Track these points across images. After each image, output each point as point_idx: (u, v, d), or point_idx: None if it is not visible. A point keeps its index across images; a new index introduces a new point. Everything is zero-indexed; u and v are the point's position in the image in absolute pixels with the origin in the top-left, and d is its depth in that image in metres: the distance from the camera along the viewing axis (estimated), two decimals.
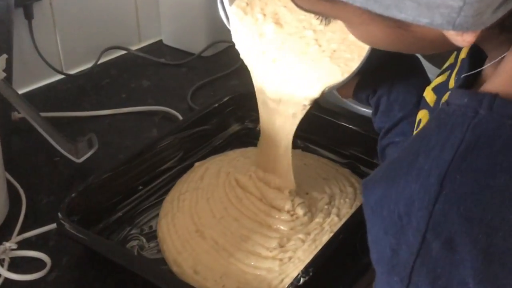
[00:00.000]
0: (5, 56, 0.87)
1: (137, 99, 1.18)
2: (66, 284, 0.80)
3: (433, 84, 0.66)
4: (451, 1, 0.41)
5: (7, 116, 1.03)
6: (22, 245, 0.84)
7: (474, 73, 0.53)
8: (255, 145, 1.03)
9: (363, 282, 0.78)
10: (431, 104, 0.65)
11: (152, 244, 0.85)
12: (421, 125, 0.66)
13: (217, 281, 0.78)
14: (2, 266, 0.80)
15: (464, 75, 0.53)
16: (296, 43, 0.77)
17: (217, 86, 1.24)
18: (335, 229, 0.80)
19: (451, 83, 0.61)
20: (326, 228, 0.84)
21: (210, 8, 1.28)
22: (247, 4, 0.80)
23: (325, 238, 0.82)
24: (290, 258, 0.80)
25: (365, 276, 0.78)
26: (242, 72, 1.26)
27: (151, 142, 0.97)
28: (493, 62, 0.50)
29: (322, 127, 1.01)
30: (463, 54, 0.59)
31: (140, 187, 0.93)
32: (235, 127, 1.08)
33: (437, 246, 0.44)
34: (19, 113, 1.05)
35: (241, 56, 0.81)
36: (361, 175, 0.97)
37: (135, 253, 0.83)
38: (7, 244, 0.82)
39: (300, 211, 0.86)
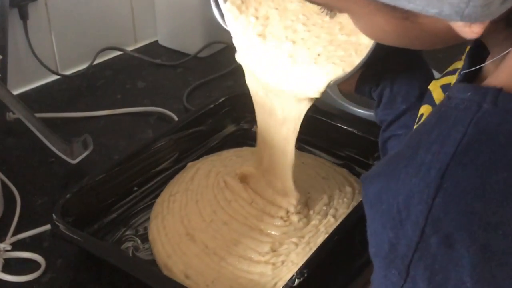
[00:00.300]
0: (0, 57, 0.87)
1: (133, 100, 1.18)
2: (60, 286, 0.80)
3: (442, 82, 0.65)
4: None
5: (2, 117, 1.03)
6: (16, 246, 0.84)
7: (474, 70, 0.53)
8: (250, 145, 1.04)
9: (358, 283, 0.78)
10: (437, 102, 0.65)
11: (147, 246, 0.85)
12: (423, 119, 0.65)
13: (209, 286, 0.77)
14: None
15: (464, 71, 0.53)
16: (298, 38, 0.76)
17: (212, 87, 1.23)
18: (331, 230, 0.80)
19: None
20: (321, 229, 0.84)
21: (206, 9, 1.28)
22: (242, 1, 0.79)
23: (320, 240, 0.81)
24: (283, 262, 0.80)
25: (360, 277, 0.78)
26: (237, 73, 1.26)
27: (146, 143, 0.96)
28: (495, 58, 0.49)
29: (318, 128, 1.01)
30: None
31: (135, 188, 0.93)
32: (230, 128, 1.08)
33: (436, 241, 0.44)
34: (13, 114, 1.05)
35: (237, 58, 0.80)
36: (357, 176, 0.97)
37: (130, 254, 0.83)
38: (1, 245, 0.82)
39: (294, 218, 0.85)
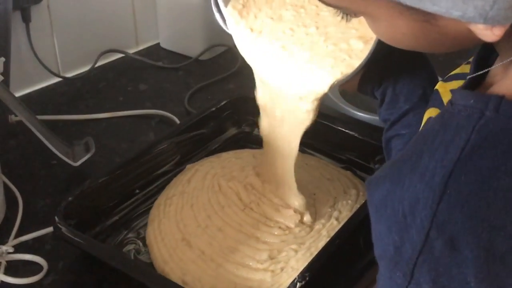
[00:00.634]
0: (2, 59, 0.87)
1: (134, 103, 1.19)
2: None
3: (452, 85, 0.66)
4: None
5: (4, 119, 1.03)
6: (18, 248, 0.84)
7: (481, 74, 0.53)
8: (251, 148, 1.04)
9: (360, 285, 0.78)
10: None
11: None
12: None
13: None
14: None
15: (469, 76, 0.54)
16: (299, 40, 0.76)
17: (214, 90, 1.24)
18: (333, 233, 0.80)
19: None
20: (323, 233, 0.84)
21: (207, 12, 1.28)
22: (243, 6, 0.79)
23: (321, 244, 0.81)
24: (282, 269, 0.79)
25: (362, 280, 0.78)
26: (239, 76, 1.27)
27: (148, 145, 0.97)
28: (504, 62, 0.50)
29: (318, 131, 1.00)
30: None
31: (137, 191, 0.93)
32: (232, 131, 1.08)
33: (440, 244, 0.45)
34: (15, 116, 1.05)
35: (243, 54, 0.80)
36: (360, 179, 0.97)
37: (132, 257, 0.83)
38: (4, 248, 0.82)
39: (295, 229, 0.85)
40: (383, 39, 0.53)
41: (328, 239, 0.80)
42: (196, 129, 1.02)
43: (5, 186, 0.92)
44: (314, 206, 0.89)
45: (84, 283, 0.81)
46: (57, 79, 1.23)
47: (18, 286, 0.79)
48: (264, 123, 0.85)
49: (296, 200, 0.86)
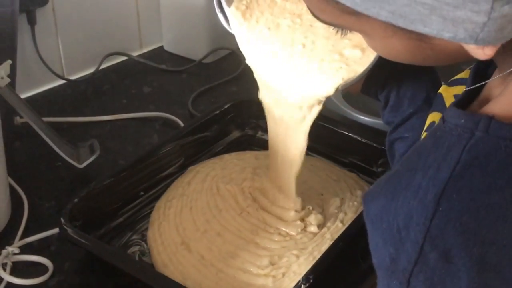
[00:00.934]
0: (9, 61, 0.88)
1: (138, 105, 1.19)
2: None
3: (456, 91, 0.67)
4: (476, 17, 0.42)
5: (10, 121, 1.04)
6: (24, 249, 0.85)
7: (480, 78, 0.55)
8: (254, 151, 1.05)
9: (365, 286, 0.79)
10: None
11: None
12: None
13: None
14: (5, 270, 0.81)
15: (466, 89, 0.55)
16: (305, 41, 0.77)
17: (217, 93, 1.24)
18: (336, 236, 0.81)
19: None
20: (327, 236, 0.84)
21: (211, 15, 1.28)
22: (247, 7, 0.79)
23: (325, 247, 0.81)
24: (284, 274, 0.79)
25: (367, 281, 0.78)
26: (242, 79, 1.28)
27: (152, 148, 0.97)
28: (502, 74, 0.51)
29: (321, 134, 1.01)
30: None
31: (141, 193, 0.94)
32: (235, 134, 1.09)
33: (434, 257, 0.47)
34: (21, 118, 1.06)
35: (246, 61, 0.81)
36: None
37: (136, 259, 0.84)
38: (10, 249, 0.83)
39: (297, 236, 0.85)
40: (379, 54, 0.54)
41: (332, 242, 0.80)
42: (199, 132, 1.03)
43: (11, 188, 0.93)
44: (322, 207, 0.90)
45: (89, 284, 0.82)
46: (61, 81, 1.24)
47: (24, 287, 0.80)
48: (270, 124, 0.85)
49: (293, 203, 0.86)
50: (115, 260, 0.79)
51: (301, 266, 0.80)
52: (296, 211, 0.86)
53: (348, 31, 0.53)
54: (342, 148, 1.01)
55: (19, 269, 0.82)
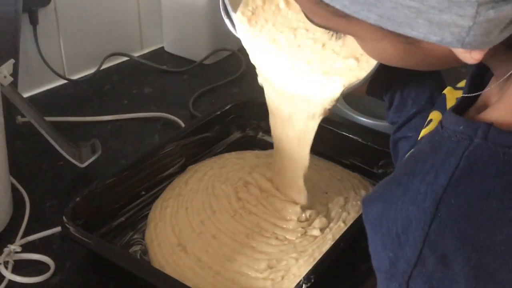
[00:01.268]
0: (12, 61, 0.88)
1: (139, 105, 1.20)
2: (69, 287, 0.81)
3: (459, 94, 0.68)
4: (461, 20, 0.43)
5: (12, 121, 1.04)
6: (25, 248, 0.85)
7: (477, 88, 0.55)
8: None
9: (366, 286, 0.79)
10: None
11: None
12: (431, 125, 0.68)
13: None
14: (6, 268, 0.81)
15: (464, 95, 0.55)
16: (310, 46, 0.78)
17: (218, 94, 1.25)
18: (338, 236, 0.81)
19: None
20: (328, 237, 0.84)
21: (212, 16, 1.30)
22: (253, 13, 0.80)
23: (326, 248, 0.81)
24: (283, 277, 0.79)
25: (368, 281, 0.79)
26: (243, 80, 1.28)
27: (154, 148, 0.98)
28: (500, 80, 0.51)
29: (322, 136, 1.01)
30: None
31: (143, 193, 0.94)
32: (236, 135, 1.09)
33: (433, 261, 0.47)
34: (22, 117, 1.06)
35: (252, 61, 0.81)
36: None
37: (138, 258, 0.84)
38: (12, 247, 0.83)
39: (296, 241, 0.85)
40: (373, 58, 0.55)
41: (333, 242, 0.80)
42: (201, 133, 1.03)
43: (12, 186, 0.93)
44: (326, 205, 0.90)
45: (90, 283, 0.82)
46: (63, 81, 1.24)
47: (26, 285, 0.80)
48: (276, 124, 0.85)
49: (303, 199, 0.87)
50: (117, 259, 0.79)
51: (301, 268, 0.80)
52: (301, 208, 0.87)
53: (343, 35, 0.53)
54: (343, 149, 1.02)
55: (20, 267, 0.83)
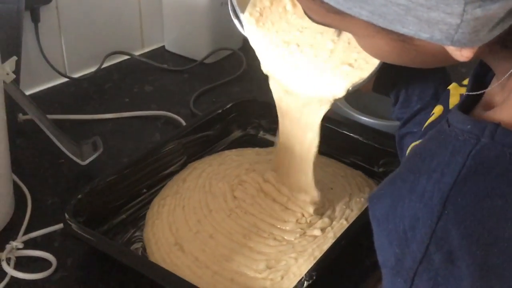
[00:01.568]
0: (15, 58, 0.88)
1: (140, 104, 1.20)
2: (71, 284, 0.81)
3: (462, 90, 0.68)
4: (449, 18, 0.44)
5: (13, 118, 1.04)
6: (27, 245, 0.85)
7: (479, 86, 0.56)
8: None
9: (368, 284, 0.79)
10: (451, 107, 0.68)
11: None
12: (431, 118, 0.69)
13: None
14: (9, 264, 0.82)
15: (467, 93, 0.56)
16: (316, 44, 0.78)
17: (219, 93, 1.25)
18: (339, 234, 0.81)
19: None
20: (329, 235, 0.84)
21: (213, 15, 1.30)
22: (260, 14, 0.81)
23: (326, 246, 0.81)
24: (282, 277, 0.79)
25: (370, 278, 0.79)
26: (244, 79, 1.29)
27: (155, 146, 0.98)
28: (502, 80, 0.52)
29: (323, 135, 1.02)
30: None
31: (144, 190, 0.94)
32: (237, 133, 1.10)
33: (439, 257, 0.48)
34: (23, 115, 1.07)
35: (260, 60, 0.81)
36: None
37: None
38: (14, 243, 0.83)
39: (292, 238, 0.85)
40: (371, 55, 0.55)
41: (334, 240, 0.81)
42: (202, 131, 1.04)
43: (14, 184, 0.93)
44: (332, 201, 0.90)
45: (92, 280, 0.82)
46: (64, 79, 1.25)
47: (28, 281, 0.81)
48: (284, 122, 0.86)
49: (313, 194, 0.87)
50: (119, 256, 0.79)
51: (301, 267, 0.79)
52: (315, 203, 0.87)
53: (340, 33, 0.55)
54: (344, 148, 1.02)
55: (22, 264, 0.83)
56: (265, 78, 0.83)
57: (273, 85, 0.82)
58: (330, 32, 0.77)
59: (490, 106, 0.53)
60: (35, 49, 1.18)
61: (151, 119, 1.16)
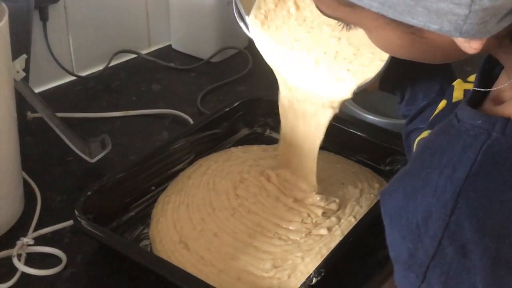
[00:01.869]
0: (24, 56, 0.89)
1: (147, 102, 1.20)
2: (81, 280, 0.82)
3: (468, 86, 0.69)
4: (457, 9, 0.45)
5: (23, 116, 1.05)
6: (38, 241, 0.86)
7: (487, 80, 0.57)
8: None
9: (376, 280, 0.80)
10: (454, 100, 0.69)
11: None
12: (436, 111, 0.69)
13: None
14: (20, 260, 0.82)
15: (475, 88, 0.56)
16: (323, 45, 0.79)
17: (225, 92, 1.26)
18: (347, 231, 0.82)
19: None
20: (337, 233, 0.84)
21: (219, 14, 1.31)
22: (265, 17, 0.81)
23: (334, 244, 0.81)
24: (289, 276, 0.79)
25: (378, 273, 0.80)
26: (250, 78, 1.29)
27: (164, 143, 0.99)
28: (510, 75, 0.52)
29: (329, 133, 1.02)
30: None
31: (153, 188, 0.95)
32: (244, 132, 1.10)
33: (452, 251, 0.49)
34: (32, 113, 1.07)
35: (266, 61, 0.82)
36: None
37: None
38: (24, 240, 0.84)
39: (298, 238, 0.85)
40: (381, 49, 0.56)
41: (341, 237, 0.81)
42: (209, 129, 1.04)
43: (23, 181, 0.94)
44: (344, 197, 0.90)
45: (102, 276, 0.83)
46: (71, 78, 1.25)
47: (38, 277, 0.81)
48: (287, 120, 0.86)
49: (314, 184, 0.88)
50: (129, 252, 0.79)
51: (308, 265, 0.79)
52: (317, 193, 0.87)
53: (351, 28, 0.55)
54: (350, 146, 1.03)
55: (33, 260, 0.84)
56: (272, 76, 0.84)
57: (279, 81, 0.83)
58: (336, 33, 0.78)
59: (499, 101, 0.53)
60: (43, 47, 1.18)
61: (159, 117, 1.16)
